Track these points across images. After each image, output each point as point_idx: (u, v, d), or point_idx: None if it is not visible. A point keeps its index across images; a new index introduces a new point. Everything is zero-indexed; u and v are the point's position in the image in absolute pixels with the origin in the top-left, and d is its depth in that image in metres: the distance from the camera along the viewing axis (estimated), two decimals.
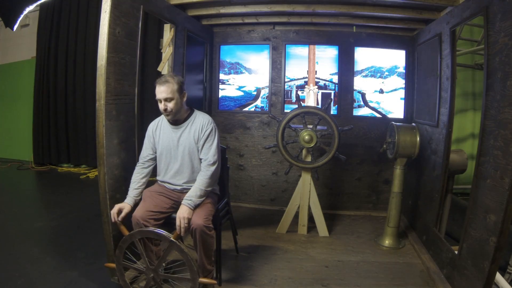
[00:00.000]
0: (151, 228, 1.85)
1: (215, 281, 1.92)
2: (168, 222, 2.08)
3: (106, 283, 2.19)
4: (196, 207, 1.93)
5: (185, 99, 2.05)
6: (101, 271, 2.32)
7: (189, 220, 1.86)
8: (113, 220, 1.92)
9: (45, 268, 2.41)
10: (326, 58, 3.57)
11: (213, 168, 2.02)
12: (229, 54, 3.73)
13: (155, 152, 2.13)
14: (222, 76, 3.75)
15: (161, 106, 1.98)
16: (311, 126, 2.92)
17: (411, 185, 3.12)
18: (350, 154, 3.45)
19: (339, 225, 3.28)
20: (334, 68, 3.56)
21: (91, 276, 2.31)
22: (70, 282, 2.23)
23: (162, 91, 1.95)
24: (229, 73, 3.74)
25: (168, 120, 2.07)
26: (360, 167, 3.60)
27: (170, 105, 1.96)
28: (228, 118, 3.74)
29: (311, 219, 3.03)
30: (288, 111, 3.08)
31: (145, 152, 2.12)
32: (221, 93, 3.76)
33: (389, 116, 3.53)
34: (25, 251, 2.65)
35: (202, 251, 1.92)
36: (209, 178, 2.00)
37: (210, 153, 2.04)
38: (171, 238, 1.78)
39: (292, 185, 3.36)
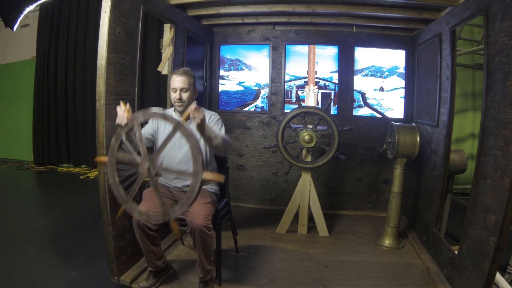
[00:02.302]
0: (156, 111, 1.68)
1: (222, 177, 1.55)
2: (168, 222, 2.07)
3: (106, 283, 2.19)
4: (206, 129, 1.81)
5: (196, 95, 2.13)
6: (101, 271, 2.32)
7: (203, 116, 1.70)
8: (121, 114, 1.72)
9: (45, 268, 2.41)
10: (326, 56, 3.56)
11: (226, 136, 1.99)
12: (229, 50, 3.72)
13: (152, 136, 2.11)
14: (222, 73, 3.75)
15: (176, 95, 2.01)
16: (311, 126, 2.92)
17: (411, 185, 3.12)
18: (350, 154, 3.45)
19: (339, 225, 3.28)
20: (334, 66, 3.56)
21: (91, 276, 2.31)
22: (70, 282, 2.23)
23: (180, 81, 2.01)
24: (229, 70, 3.74)
25: (178, 112, 2.08)
26: (360, 167, 3.60)
27: (185, 95, 2.02)
28: (228, 118, 3.74)
29: (311, 219, 3.03)
30: (288, 111, 3.08)
31: (143, 132, 2.03)
32: (221, 88, 3.76)
33: (389, 114, 3.53)
34: (25, 251, 2.65)
35: (201, 251, 1.92)
36: (223, 137, 1.94)
37: (221, 131, 2.07)
38: (179, 121, 1.53)
39: (292, 185, 3.35)
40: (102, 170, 2.02)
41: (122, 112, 1.71)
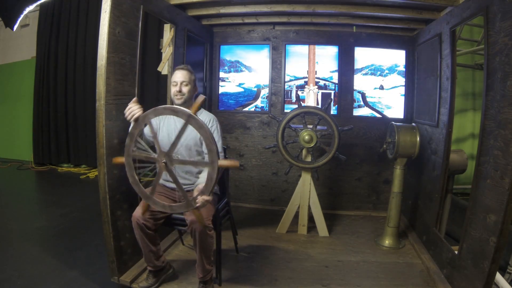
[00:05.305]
0: (167, 106, 1.68)
1: (237, 162, 1.63)
2: (167, 222, 2.08)
3: (106, 283, 2.19)
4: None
5: (196, 92, 2.17)
6: (101, 271, 2.32)
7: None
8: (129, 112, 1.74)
9: (45, 268, 2.41)
10: (326, 56, 3.56)
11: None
12: (229, 52, 3.72)
13: (151, 138, 2.09)
14: (222, 74, 3.75)
15: (176, 88, 2.06)
16: (311, 126, 2.92)
17: (411, 185, 3.12)
18: (350, 154, 3.45)
19: (339, 225, 3.28)
20: (334, 66, 3.56)
21: (91, 276, 2.31)
22: (70, 282, 2.23)
23: (181, 75, 2.08)
24: (229, 71, 3.74)
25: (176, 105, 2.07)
26: (360, 167, 3.60)
27: (185, 89, 2.07)
28: (228, 118, 3.74)
29: (311, 219, 3.03)
30: (288, 111, 3.08)
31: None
32: (220, 90, 3.77)
33: (389, 113, 3.53)
34: (25, 251, 2.65)
35: (201, 251, 1.92)
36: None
37: (218, 144, 2.08)
38: (190, 113, 1.56)
39: (292, 185, 3.35)
40: (102, 170, 2.02)
41: (135, 105, 1.73)
